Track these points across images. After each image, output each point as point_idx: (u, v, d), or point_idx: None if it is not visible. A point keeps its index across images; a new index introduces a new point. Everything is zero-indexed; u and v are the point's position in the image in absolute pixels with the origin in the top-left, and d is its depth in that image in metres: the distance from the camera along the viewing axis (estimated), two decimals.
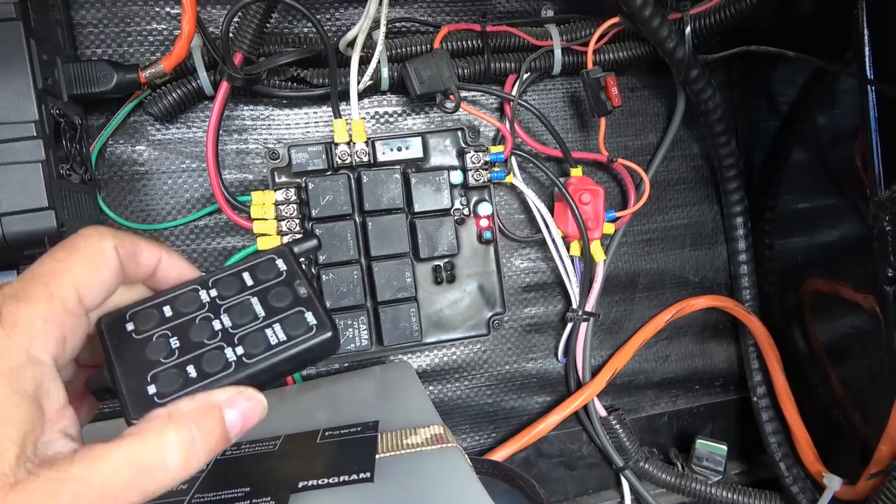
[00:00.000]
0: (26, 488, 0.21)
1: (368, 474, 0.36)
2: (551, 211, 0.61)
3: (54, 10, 0.51)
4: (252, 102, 0.59)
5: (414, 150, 0.57)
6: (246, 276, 0.30)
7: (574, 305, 0.62)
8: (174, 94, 0.53)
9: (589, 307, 0.62)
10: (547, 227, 0.60)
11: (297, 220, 0.55)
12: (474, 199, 0.59)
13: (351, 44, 0.54)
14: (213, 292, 0.29)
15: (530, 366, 0.66)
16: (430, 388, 0.64)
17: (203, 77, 0.53)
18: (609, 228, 0.61)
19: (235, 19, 0.51)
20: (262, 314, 0.29)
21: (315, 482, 0.36)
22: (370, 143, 0.56)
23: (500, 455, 0.62)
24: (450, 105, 0.55)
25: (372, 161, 0.56)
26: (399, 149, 0.57)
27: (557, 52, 0.59)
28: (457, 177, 0.58)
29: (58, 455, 0.23)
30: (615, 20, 0.57)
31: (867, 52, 0.48)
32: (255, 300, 0.29)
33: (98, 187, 0.56)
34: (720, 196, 0.68)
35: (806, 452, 0.61)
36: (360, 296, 0.56)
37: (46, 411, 0.24)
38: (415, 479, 0.37)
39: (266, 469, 0.39)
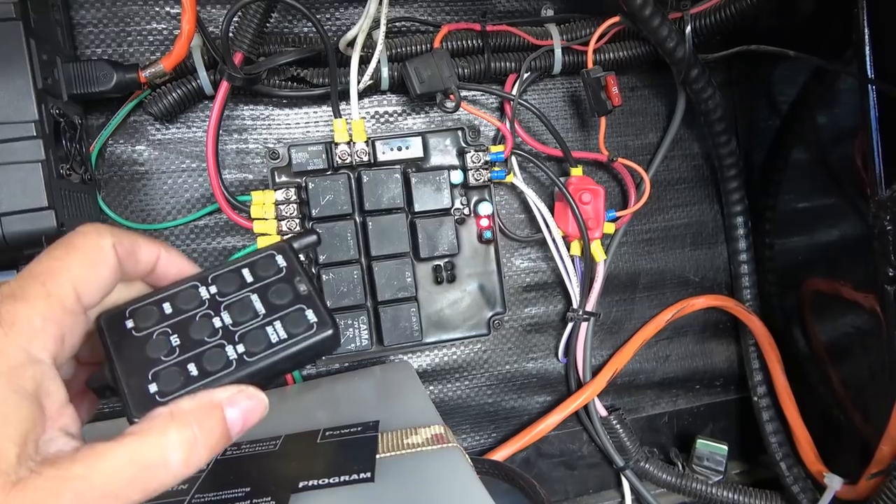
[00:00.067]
0: (28, 486, 0.21)
1: (369, 474, 0.36)
2: (552, 210, 0.61)
3: (54, 10, 0.51)
4: (252, 102, 0.58)
5: (414, 149, 0.57)
6: (245, 272, 0.30)
7: (574, 305, 0.62)
8: (174, 94, 0.53)
9: (589, 307, 0.62)
10: (547, 226, 0.60)
11: (298, 220, 0.55)
12: (474, 198, 0.59)
13: (351, 43, 0.54)
14: (213, 289, 0.29)
15: (531, 365, 0.66)
16: (431, 387, 0.64)
17: (203, 77, 0.53)
18: (609, 228, 0.61)
19: (235, 19, 0.50)
20: (263, 312, 0.29)
21: (315, 482, 0.36)
22: (370, 142, 0.56)
23: (500, 455, 0.62)
24: (450, 105, 0.55)
25: (372, 161, 0.56)
26: (399, 148, 0.57)
27: (557, 52, 0.59)
28: (457, 176, 0.57)
29: (60, 453, 0.23)
30: (615, 19, 0.57)
31: (867, 52, 0.48)
32: (255, 297, 0.29)
33: (98, 187, 0.56)
34: (720, 195, 0.68)
35: (806, 452, 0.61)
36: (360, 295, 0.56)
37: (47, 410, 0.24)
38: (415, 478, 0.37)
39: (266, 469, 0.39)
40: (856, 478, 0.54)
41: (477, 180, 0.58)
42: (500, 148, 0.58)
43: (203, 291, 0.29)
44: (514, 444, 0.63)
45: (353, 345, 0.56)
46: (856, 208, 0.53)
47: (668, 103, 0.66)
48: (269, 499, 0.35)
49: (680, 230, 0.68)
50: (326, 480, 0.36)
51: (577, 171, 0.61)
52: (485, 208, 0.59)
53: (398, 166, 0.56)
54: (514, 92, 0.58)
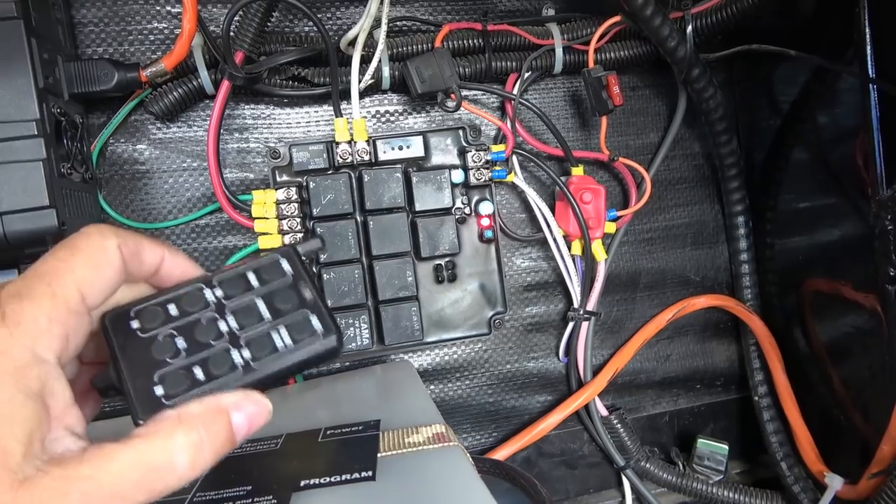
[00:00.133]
0: (36, 485, 0.21)
1: (370, 473, 0.36)
2: (552, 210, 0.61)
3: (55, 9, 0.51)
4: (253, 101, 0.58)
5: (415, 148, 0.57)
6: (251, 276, 0.30)
7: (575, 305, 0.62)
8: (175, 93, 0.53)
9: (590, 306, 0.62)
10: (548, 226, 0.60)
11: (299, 219, 0.55)
12: (475, 198, 0.59)
13: (352, 43, 0.54)
14: (219, 292, 0.29)
15: (531, 365, 0.66)
16: (432, 387, 0.64)
17: (204, 76, 0.53)
18: (610, 227, 0.61)
19: (236, 18, 0.50)
20: (268, 317, 0.29)
21: (317, 481, 0.36)
22: (371, 141, 0.56)
23: (501, 454, 0.62)
24: (451, 104, 0.55)
25: (373, 160, 0.56)
26: (400, 148, 0.57)
27: (559, 51, 0.59)
28: (458, 176, 0.57)
29: (67, 453, 0.23)
30: (616, 19, 0.57)
31: (869, 51, 0.48)
32: (260, 302, 0.29)
33: (99, 186, 0.56)
34: (721, 195, 0.68)
35: (807, 452, 0.61)
36: (361, 295, 0.56)
37: (52, 409, 0.24)
38: (417, 477, 0.37)
39: (268, 468, 0.39)
40: (856, 478, 0.54)
41: (478, 179, 0.58)
42: (501, 147, 0.58)
43: (209, 294, 0.29)
44: (514, 443, 0.63)
45: (353, 344, 0.56)
46: (857, 208, 0.53)
47: (669, 103, 0.66)
48: (271, 497, 0.35)
49: (681, 230, 0.68)
50: (328, 479, 0.36)
51: (578, 171, 0.61)
52: (486, 208, 0.59)
53: (399, 165, 0.56)
54: (515, 91, 0.58)
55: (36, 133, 0.44)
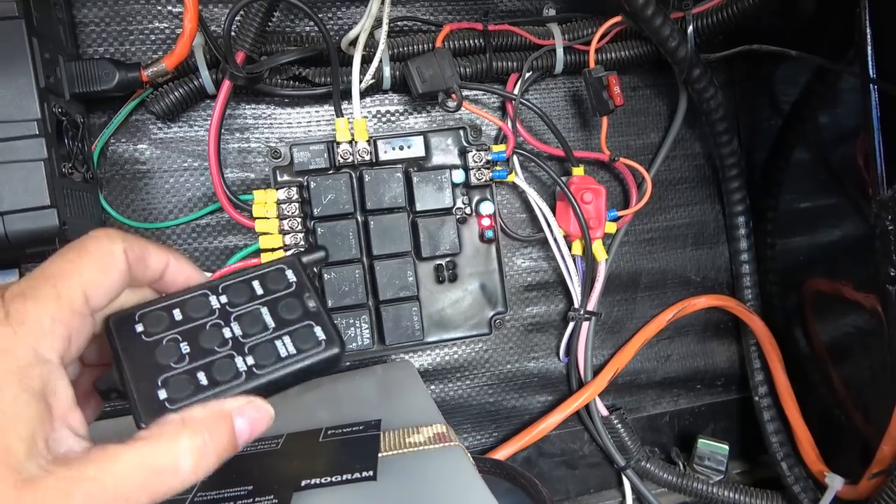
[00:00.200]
0: (40, 485, 0.21)
1: (371, 473, 0.36)
2: (553, 210, 0.61)
3: (56, 9, 0.51)
4: (254, 101, 0.58)
5: (416, 148, 0.57)
6: (256, 284, 0.30)
7: (576, 305, 0.62)
8: (176, 93, 0.53)
9: (590, 306, 0.62)
10: (549, 226, 0.60)
11: (299, 219, 0.55)
12: (476, 198, 0.59)
13: (353, 42, 0.54)
14: (224, 299, 0.29)
15: (532, 365, 0.66)
16: (432, 387, 0.64)
17: (205, 76, 0.53)
18: (611, 228, 0.61)
19: (237, 18, 0.51)
20: (273, 325, 0.29)
21: (318, 481, 0.36)
22: (372, 141, 0.56)
23: (501, 454, 0.62)
24: (452, 104, 0.55)
25: (374, 160, 0.56)
26: (401, 147, 0.57)
27: (559, 51, 0.59)
28: (459, 176, 0.57)
29: (70, 453, 0.23)
30: (617, 19, 0.57)
31: (869, 51, 0.48)
32: (265, 310, 0.29)
33: (100, 186, 0.56)
34: (722, 195, 0.68)
35: (807, 452, 0.61)
36: (361, 295, 0.56)
37: (54, 409, 0.24)
38: (418, 477, 0.37)
39: (269, 467, 0.39)
40: (857, 478, 0.54)
41: (478, 179, 0.58)
42: (501, 147, 0.58)
43: (213, 301, 0.29)
44: (515, 443, 0.63)
45: (354, 344, 0.56)
46: (857, 208, 0.53)
47: (669, 103, 0.66)
48: (272, 497, 0.35)
49: (681, 230, 0.68)
50: (329, 479, 0.36)
51: (578, 171, 0.61)
52: (486, 208, 0.59)
53: (400, 165, 0.57)
54: (516, 91, 0.58)
55: (37, 133, 0.44)
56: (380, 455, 0.38)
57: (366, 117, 0.57)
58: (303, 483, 0.36)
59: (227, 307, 0.29)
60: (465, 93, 0.57)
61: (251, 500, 0.35)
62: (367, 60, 0.54)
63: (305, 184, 0.55)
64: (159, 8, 0.56)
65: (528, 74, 0.59)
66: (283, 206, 0.54)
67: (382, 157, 0.56)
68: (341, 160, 0.55)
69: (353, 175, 0.56)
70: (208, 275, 0.33)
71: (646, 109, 0.67)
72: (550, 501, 0.50)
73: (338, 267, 0.55)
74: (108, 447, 0.23)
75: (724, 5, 0.55)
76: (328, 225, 0.55)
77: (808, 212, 0.62)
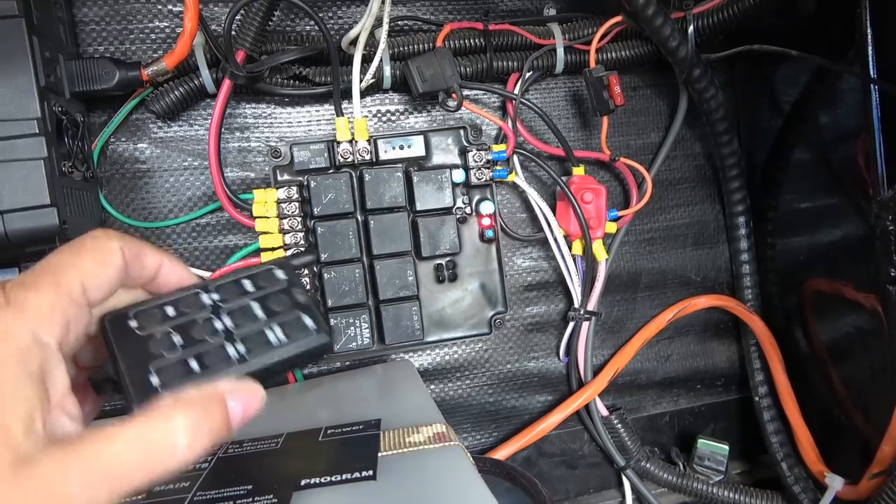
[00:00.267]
0: (37, 464, 0.22)
1: (371, 472, 0.36)
2: (553, 210, 0.61)
3: (57, 8, 0.50)
4: (254, 100, 0.58)
5: (416, 148, 0.57)
6: (247, 283, 0.31)
7: (576, 304, 0.62)
8: (176, 92, 0.53)
9: (591, 306, 0.62)
10: (549, 225, 0.60)
11: (299, 219, 0.55)
12: (476, 197, 0.59)
13: (353, 42, 0.54)
14: (215, 296, 0.30)
15: (532, 365, 0.66)
16: (432, 387, 0.64)
17: (205, 75, 0.53)
18: (611, 227, 0.61)
19: (238, 17, 0.50)
20: (263, 317, 0.30)
21: (317, 480, 0.36)
22: (372, 141, 0.56)
23: (501, 454, 0.62)
24: (452, 103, 0.55)
25: (374, 159, 0.56)
26: (401, 147, 0.57)
27: (560, 51, 0.59)
28: (459, 175, 0.57)
29: (67, 435, 0.24)
30: (618, 19, 0.57)
31: (870, 51, 0.48)
32: (255, 304, 0.30)
33: (100, 185, 0.56)
34: (722, 195, 0.68)
35: (808, 452, 0.61)
36: (361, 294, 0.56)
37: (51, 393, 0.24)
38: (417, 477, 0.37)
39: (268, 467, 0.39)
40: (857, 478, 0.54)
41: (479, 179, 0.58)
42: (501, 147, 0.58)
43: (205, 298, 0.30)
44: (515, 443, 0.63)
45: (354, 343, 0.56)
46: (858, 208, 0.53)
47: (670, 103, 0.66)
48: (272, 497, 0.35)
49: (681, 230, 0.68)
50: (328, 478, 0.36)
51: (578, 171, 0.61)
52: (486, 207, 0.59)
53: (400, 165, 0.56)
54: (517, 91, 0.58)
55: (37, 131, 0.44)
56: (379, 454, 0.38)
57: (366, 117, 0.58)
58: (302, 482, 0.36)
59: (219, 303, 0.30)
60: (466, 92, 0.58)
61: (251, 499, 0.35)
62: (367, 60, 0.54)
63: (305, 183, 0.55)
64: (160, 7, 0.56)
65: (528, 74, 0.59)
66: (283, 205, 0.54)
67: (383, 156, 0.56)
68: (341, 159, 0.55)
69: (354, 174, 0.56)
70: (206, 275, 0.33)
71: (646, 109, 0.67)
72: (550, 501, 0.50)
73: (338, 266, 0.55)
74: (103, 428, 0.23)
75: (725, 5, 0.55)
76: (328, 224, 0.55)
77: (809, 212, 0.62)
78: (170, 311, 0.29)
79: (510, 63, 0.58)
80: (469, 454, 0.40)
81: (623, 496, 0.67)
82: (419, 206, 0.56)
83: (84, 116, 0.53)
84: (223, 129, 0.56)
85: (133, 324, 0.28)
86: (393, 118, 0.61)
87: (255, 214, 0.54)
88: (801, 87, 0.60)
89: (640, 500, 0.66)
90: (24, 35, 0.43)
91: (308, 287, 0.56)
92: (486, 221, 0.59)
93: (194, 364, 0.27)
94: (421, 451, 0.39)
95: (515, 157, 0.60)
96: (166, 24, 0.56)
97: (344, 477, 0.36)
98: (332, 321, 0.55)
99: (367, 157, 0.55)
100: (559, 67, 0.59)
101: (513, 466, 0.55)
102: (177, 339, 0.28)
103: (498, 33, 0.58)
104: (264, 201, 0.54)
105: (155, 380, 0.26)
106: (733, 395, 0.71)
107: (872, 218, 0.49)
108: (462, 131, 0.58)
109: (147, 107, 0.54)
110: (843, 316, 0.57)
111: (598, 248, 0.60)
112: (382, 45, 0.53)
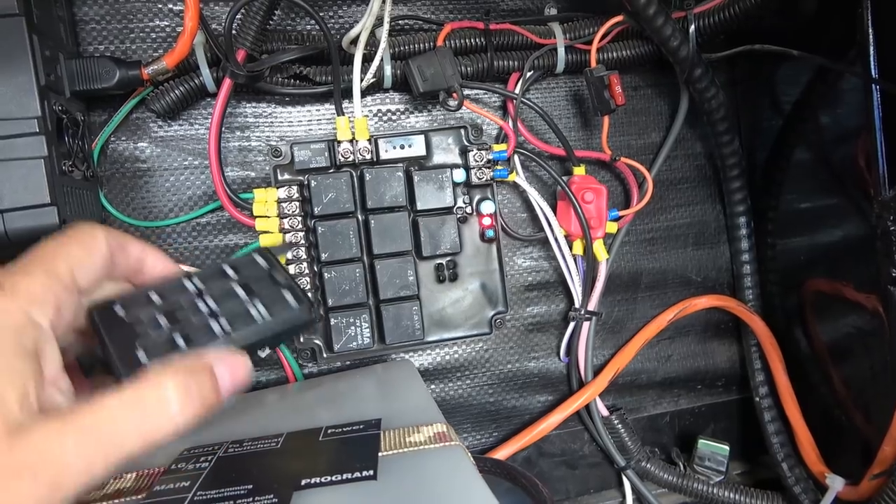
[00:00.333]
0: (32, 433, 0.22)
1: (371, 472, 0.36)
2: (554, 209, 0.61)
3: (57, 6, 0.50)
4: (255, 100, 0.58)
5: (417, 147, 0.57)
6: (228, 269, 0.33)
7: (576, 304, 0.62)
8: (177, 91, 0.53)
9: (591, 306, 0.62)
10: (549, 225, 0.60)
11: (300, 218, 0.55)
12: (477, 197, 0.59)
13: (354, 41, 0.54)
14: (199, 283, 0.32)
15: (532, 365, 0.65)
16: (432, 386, 0.64)
17: (206, 74, 0.53)
18: (612, 227, 0.61)
19: (238, 16, 0.50)
20: (245, 297, 0.31)
21: (318, 480, 0.36)
22: (373, 140, 0.56)
23: (501, 454, 0.62)
24: (453, 103, 0.55)
25: (374, 159, 0.56)
26: (402, 146, 0.57)
27: (561, 51, 0.59)
28: (459, 175, 0.57)
29: (61, 406, 0.25)
30: (619, 18, 0.57)
31: (871, 51, 0.47)
32: (237, 287, 0.32)
33: (100, 184, 0.56)
34: (723, 195, 0.68)
35: (808, 453, 0.61)
36: (362, 294, 0.56)
37: (45, 369, 0.25)
38: (418, 476, 0.37)
39: (268, 466, 0.39)
40: (858, 478, 0.54)
41: (479, 179, 0.58)
42: (502, 146, 0.58)
43: (189, 284, 0.31)
44: (515, 443, 0.63)
45: (354, 343, 0.56)
46: (859, 209, 0.53)
47: (670, 103, 0.66)
48: (272, 496, 0.35)
49: (682, 230, 0.68)
50: (329, 478, 0.36)
51: (579, 170, 0.61)
52: (487, 207, 0.59)
53: (401, 164, 0.56)
54: (517, 90, 0.58)
55: (37, 130, 0.44)
56: (380, 454, 0.38)
57: (367, 116, 0.57)
58: (303, 482, 0.36)
59: (202, 289, 0.31)
60: (466, 92, 0.57)
61: (251, 499, 0.35)
62: (368, 59, 0.54)
63: (306, 182, 0.55)
64: (160, 6, 0.56)
65: (529, 74, 0.59)
66: (284, 204, 0.54)
67: (383, 155, 0.56)
68: (342, 159, 0.55)
69: (354, 174, 0.56)
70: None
71: (647, 109, 0.66)
72: (550, 501, 0.50)
73: (338, 266, 0.55)
74: (95, 398, 0.24)
75: (726, 5, 0.55)
76: (329, 224, 0.55)
77: (810, 212, 0.62)
78: (155, 297, 0.30)
79: (511, 62, 0.58)
80: (469, 454, 0.40)
81: (623, 496, 0.67)
82: (420, 206, 0.56)
83: (84, 115, 0.53)
84: (223, 129, 0.56)
85: (120, 311, 0.29)
86: (393, 118, 0.61)
87: (255, 214, 0.54)
88: (802, 86, 0.60)
89: (641, 501, 0.66)
90: (25, 34, 0.43)
91: (306, 286, 0.56)
92: (487, 221, 0.59)
93: (180, 341, 0.28)
94: (421, 451, 0.39)
95: (516, 157, 0.60)
96: (167, 23, 0.56)
97: (344, 476, 0.36)
98: (333, 321, 0.55)
99: (368, 156, 0.55)
100: (560, 67, 0.59)
101: (513, 466, 0.55)
102: (162, 320, 0.29)
103: (499, 33, 0.58)
104: (265, 201, 0.54)
105: (142, 355, 0.27)
106: (734, 396, 0.71)
107: (873, 218, 0.49)
108: (463, 131, 0.58)
109: (147, 106, 0.54)
110: (844, 316, 0.57)
111: (599, 248, 0.60)
112: (383, 45, 0.53)
